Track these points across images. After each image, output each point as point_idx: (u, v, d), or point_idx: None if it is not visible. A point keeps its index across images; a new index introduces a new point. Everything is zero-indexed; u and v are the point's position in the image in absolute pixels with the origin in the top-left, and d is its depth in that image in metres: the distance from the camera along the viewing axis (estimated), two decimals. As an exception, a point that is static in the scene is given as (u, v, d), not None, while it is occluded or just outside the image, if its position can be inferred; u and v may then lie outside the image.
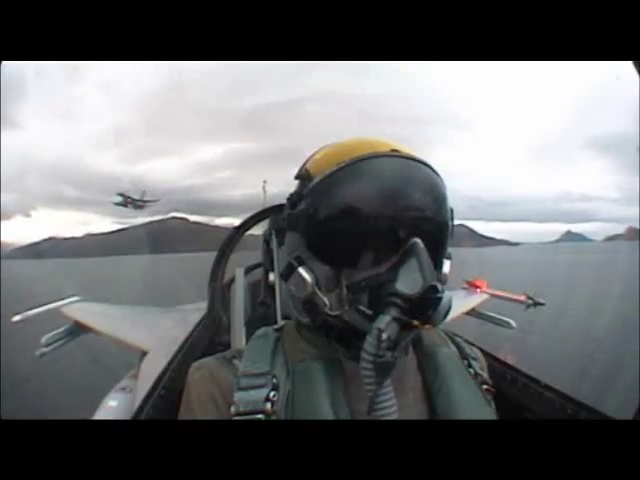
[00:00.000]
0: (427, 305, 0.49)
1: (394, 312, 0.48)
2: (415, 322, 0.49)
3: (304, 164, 0.64)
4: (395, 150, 0.57)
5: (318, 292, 0.55)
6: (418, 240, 0.51)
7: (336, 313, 0.54)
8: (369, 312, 0.50)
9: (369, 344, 0.47)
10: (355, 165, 0.55)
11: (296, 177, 0.64)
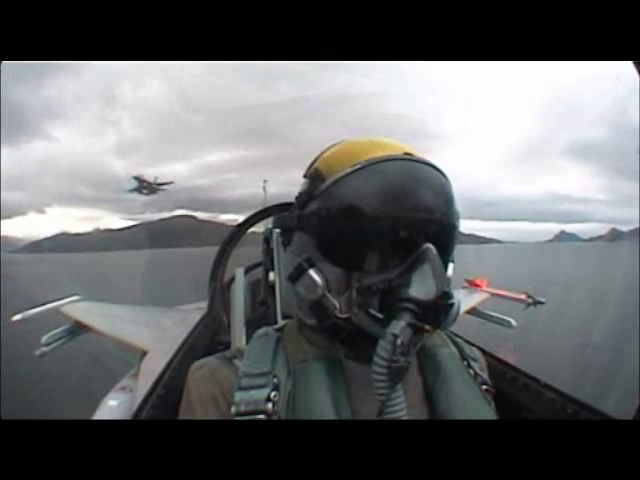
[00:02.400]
0: (440, 311, 0.50)
1: (408, 317, 0.48)
2: (427, 327, 0.49)
3: (313, 162, 0.63)
4: (407, 153, 0.57)
5: (328, 295, 0.54)
6: (431, 246, 0.51)
7: (345, 316, 0.53)
8: (380, 316, 0.50)
9: (383, 349, 0.47)
10: (370, 167, 0.54)
11: (305, 176, 0.63)
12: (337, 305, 0.54)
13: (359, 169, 0.55)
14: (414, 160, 0.56)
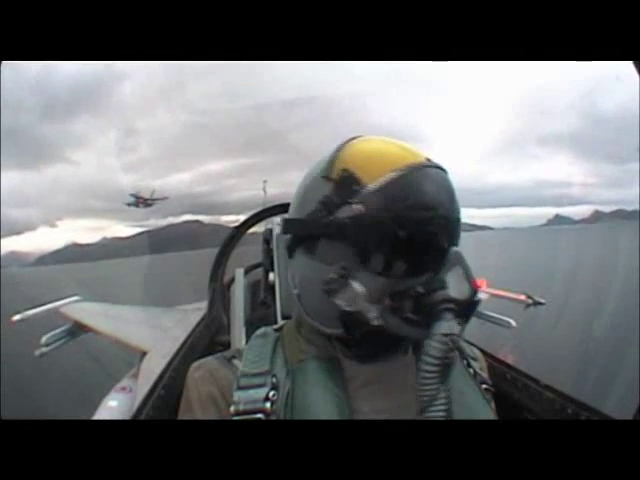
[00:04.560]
0: (472, 308, 0.53)
1: (450, 317, 0.50)
2: (461, 323, 0.52)
3: (333, 163, 0.57)
4: (427, 159, 0.58)
5: (367, 304, 0.53)
6: (457, 249, 0.54)
7: (380, 323, 0.53)
8: (417, 319, 0.51)
9: (436, 349, 0.49)
10: (412, 173, 0.54)
11: (327, 177, 0.57)
12: (376, 314, 0.53)
13: (403, 175, 0.54)
14: (439, 167, 0.57)
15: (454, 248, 0.54)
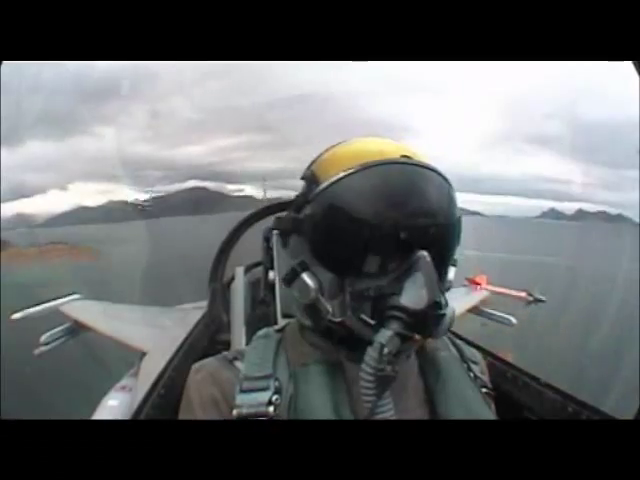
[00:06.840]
0: (430, 321, 0.50)
1: (396, 326, 0.48)
2: (417, 336, 0.49)
3: (310, 165, 0.62)
4: (405, 156, 0.56)
5: (321, 298, 0.54)
6: (425, 253, 0.50)
7: (339, 320, 0.53)
8: (371, 322, 0.50)
9: (370, 357, 0.47)
10: (363, 172, 0.53)
11: (302, 178, 0.62)
12: (330, 309, 0.53)
13: (351, 173, 0.54)
14: (410, 163, 0.55)
15: (420, 252, 0.50)
